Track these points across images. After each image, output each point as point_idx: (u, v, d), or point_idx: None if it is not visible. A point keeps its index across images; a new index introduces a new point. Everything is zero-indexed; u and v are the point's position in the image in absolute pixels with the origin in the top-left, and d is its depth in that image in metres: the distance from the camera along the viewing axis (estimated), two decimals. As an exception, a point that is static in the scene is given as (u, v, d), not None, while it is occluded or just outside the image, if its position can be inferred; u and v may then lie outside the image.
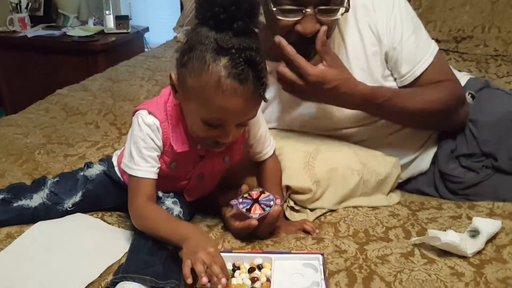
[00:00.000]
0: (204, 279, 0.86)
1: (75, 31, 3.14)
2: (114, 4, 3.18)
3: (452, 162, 1.36)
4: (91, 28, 3.24)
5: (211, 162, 1.14)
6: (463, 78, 1.44)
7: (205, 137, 1.03)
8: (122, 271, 0.94)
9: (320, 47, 1.14)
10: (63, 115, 1.84)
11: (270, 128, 1.27)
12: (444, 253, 1.03)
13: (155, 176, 1.06)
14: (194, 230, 0.98)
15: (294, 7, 1.11)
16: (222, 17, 0.92)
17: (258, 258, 1.02)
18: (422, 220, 1.18)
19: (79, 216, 1.19)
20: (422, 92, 1.26)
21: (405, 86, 1.29)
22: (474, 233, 1.04)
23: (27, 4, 3.25)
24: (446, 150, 1.37)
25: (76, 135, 1.67)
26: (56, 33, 3.15)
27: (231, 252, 1.05)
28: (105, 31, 3.17)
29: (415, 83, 1.27)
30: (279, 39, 1.15)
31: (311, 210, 1.24)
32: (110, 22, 3.17)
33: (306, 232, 1.15)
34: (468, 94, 1.38)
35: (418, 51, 1.26)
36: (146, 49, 3.30)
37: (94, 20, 3.32)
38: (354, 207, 1.26)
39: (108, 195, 1.22)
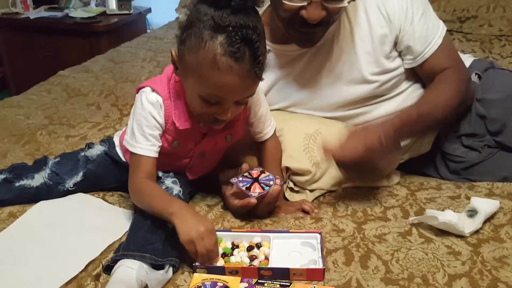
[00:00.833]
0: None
1: (78, 13, 3.13)
2: (117, -15, 3.16)
3: (454, 142, 1.36)
4: (93, 9, 3.23)
5: (213, 140, 1.14)
6: (467, 60, 1.43)
7: (204, 114, 1.04)
8: (123, 248, 0.96)
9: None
10: (65, 96, 1.85)
11: (271, 110, 1.27)
12: (442, 232, 1.04)
13: (155, 155, 1.07)
14: (184, 208, 0.99)
15: None
16: None
17: (256, 237, 1.03)
18: (421, 200, 1.19)
19: (80, 195, 1.20)
20: (439, 95, 1.24)
21: (413, 68, 1.29)
22: (472, 213, 1.04)
23: (30, -15, 3.24)
24: (449, 130, 1.37)
25: (78, 116, 1.68)
26: (59, 14, 3.13)
27: (229, 231, 1.06)
28: (108, 12, 3.16)
29: (423, 64, 1.27)
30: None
31: (310, 191, 1.25)
32: (112, 3, 3.15)
33: (305, 212, 1.16)
34: (475, 75, 1.38)
35: (428, 33, 1.24)
36: (148, 30, 3.28)
37: (97, 1, 3.30)
38: (353, 187, 1.26)
39: (109, 175, 1.23)
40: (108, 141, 1.28)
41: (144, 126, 1.06)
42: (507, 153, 1.32)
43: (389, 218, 1.12)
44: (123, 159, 1.21)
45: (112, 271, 0.93)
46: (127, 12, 3.17)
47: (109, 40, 2.92)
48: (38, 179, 1.19)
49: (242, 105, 1.05)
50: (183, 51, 0.98)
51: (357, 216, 1.13)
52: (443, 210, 1.07)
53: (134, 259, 0.92)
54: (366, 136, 1.10)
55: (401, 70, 1.29)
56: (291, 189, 1.26)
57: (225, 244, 1.03)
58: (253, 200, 1.08)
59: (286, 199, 1.24)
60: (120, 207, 1.18)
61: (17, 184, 1.17)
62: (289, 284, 0.90)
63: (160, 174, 1.11)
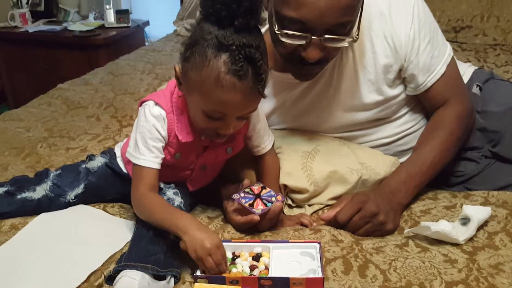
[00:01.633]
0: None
1: (76, 26, 3.16)
2: (115, -2, 3.20)
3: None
4: (91, 22, 3.25)
5: (214, 152, 1.16)
6: (468, 70, 1.44)
7: (207, 128, 1.06)
8: (125, 259, 0.97)
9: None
10: (65, 109, 1.86)
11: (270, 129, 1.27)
12: (438, 241, 1.05)
13: (158, 167, 1.09)
14: (194, 223, 1.00)
15: (300, 33, 1.06)
16: (223, 14, 0.94)
17: (257, 247, 1.04)
18: (416, 214, 1.20)
19: (81, 207, 1.22)
20: (433, 148, 1.23)
21: (415, 96, 1.28)
22: (465, 221, 1.06)
23: (28, 0, 3.26)
24: None
25: (78, 128, 1.69)
26: (57, 28, 3.16)
27: (230, 241, 1.07)
28: (106, 25, 3.19)
29: (425, 93, 1.26)
30: None
31: (309, 205, 1.26)
32: (110, 17, 3.18)
33: (304, 225, 1.17)
34: (476, 87, 1.39)
35: (433, 61, 1.24)
36: (146, 43, 3.31)
37: (95, 14, 3.33)
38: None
39: (110, 187, 1.24)
40: (109, 152, 1.29)
41: (148, 138, 1.08)
42: (504, 164, 1.33)
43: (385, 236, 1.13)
44: (124, 171, 1.23)
45: (114, 281, 0.93)
46: (125, 25, 3.20)
47: (108, 53, 2.95)
48: (39, 192, 1.20)
49: (244, 120, 1.08)
50: (187, 68, 1.01)
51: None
52: (437, 221, 1.08)
53: (136, 269, 0.93)
54: (360, 204, 1.11)
55: (403, 96, 1.29)
56: (289, 206, 1.26)
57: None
58: (257, 217, 1.09)
59: (284, 214, 1.24)
60: (121, 218, 1.19)
61: (18, 197, 1.19)
62: (289, 293, 0.91)
63: (162, 185, 1.12)
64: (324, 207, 1.26)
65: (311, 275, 0.96)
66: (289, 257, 1.02)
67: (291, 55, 1.11)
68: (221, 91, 0.96)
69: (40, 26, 3.22)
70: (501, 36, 2.17)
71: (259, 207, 1.10)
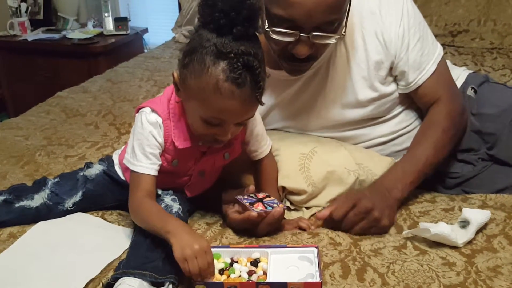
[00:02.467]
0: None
1: (75, 34, 3.17)
2: (113, 6, 3.21)
3: (448, 158, 1.37)
4: (90, 30, 3.26)
5: (212, 158, 1.16)
6: (462, 74, 1.45)
7: (205, 134, 1.06)
8: (123, 266, 0.97)
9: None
10: (63, 117, 1.87)
11: (266, 130, 1.27)
12: (436, 244, 1.05)
13: (155, 173, 1.09)
14: (181, 227, 0.98)
15: (289, 31, 1.09)
16: (222, 22, 0.95)
17: (255, 252, 1.04)
18: (415, 214, 1.20)
19: (79, 215, 1.22)
20: (426, 147, 1.24)
21: (406, 94, 1.30)
22: (464, 224, 1.06)
23: (27, 8, 3.28)
24: None
25: (76, 136, 1.70)
26: (56, 36, 3.17)
27: (228, 247, 1.07)
28: (105, 33, 3.20)
29: (416, 91, 1.28)
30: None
31: (307, 208, 1.26)
32: (109, 24, 3.19)
33: (302, 229, 1.17)
34: (471, 89, 1.40)
35: (423, 59, 1.26)
36: (145, 50, 3.32)
37: (94, 22, 3.34)
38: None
39: (108, 194, 1.25)
40: (106, 159, 1.29)
41: (145, 145, 1.08)
42: (501, 166, 1.34)
43: (384, 235, 1.12)
44: (122, 178, 1.23)
45: (113, 289, 0.93)
46: (124, 32, 3.21)
47: (107, 60, 2.95)
48: (38, 200, 1.20)
49: (242, 126, 1.09)
50: (185, 74, 1.01)
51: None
52: (436, 223, 1.08)
53: (135, 277, 0.93)
54: (355, 200, 1.12)
55: (397, 94, 1.31)
56: (288, 208, 1.26)
57: (223, 260, 1.04)
58: (254, 213, 1.09)
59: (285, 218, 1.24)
60: (119, 225, 1.19)
61: (17, 205, 1.19)
62: (287, 298, 0.91)
63: (160, 192, 1.13)
64: (322, 209, 1.25)
65: (309, 280, 0.95)
66: (287, 262, 1.02)
67: (282, 51, 1.15)
68: (219, 99, 0.97)
69: (39, 34, 3.24)
70: (498, 40, 2.18)
71: (259, 207, 1.10)
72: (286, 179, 1.24)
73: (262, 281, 0.96)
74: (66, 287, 0.98)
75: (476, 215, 1.07)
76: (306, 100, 1.32)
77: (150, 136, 1.08)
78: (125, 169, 1.20)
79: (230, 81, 0.96)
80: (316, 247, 1.03)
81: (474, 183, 1.34)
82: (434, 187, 1.35)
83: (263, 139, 1.23)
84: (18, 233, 1.15)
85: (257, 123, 1.20)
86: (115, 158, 1.27)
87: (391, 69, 1.28)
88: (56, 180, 1.25)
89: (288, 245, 1.07)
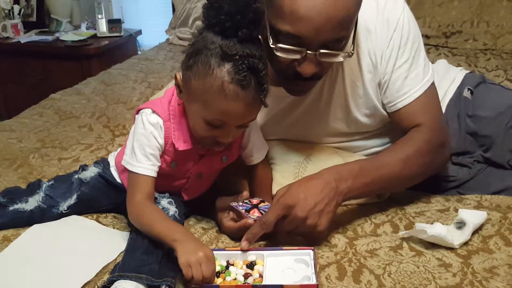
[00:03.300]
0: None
1: (68, 36, 3.15)
2: (106, 8, 3.18)
3: None
4: (84, 32, 3.25)
5: (210, 161, 1.16)
6: (459, 74, 1.45)
7: (206, 137, 1.06)
8: (119, 269, 0.96)
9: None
10: (57, 119, 1.86)
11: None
12: (432, 245, 1.05)
13: (154, 175, 1.08)
14: (187, 235, 1.00)
15: (295, 48, 1.04)
16: (227, 25, 0.96)
17: (251, 255, 1.04)
18: (410, 214, 1.20)
19: (74, 218, 1.21)
20: (393, 153, 1.18)
21: (389, 115, 1.26)
22: (461, 225, 1.06)
23: (20, 10, 3.25)
24: None
25: (70, 139, 1.69)
26: (49, 38, 3.16)
27: (224, 250, 1.07)
28: (98, 35, 3.18)
29: (395, 114, 1.23)
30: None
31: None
32: (102, 26, 3.18)
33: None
34: (468, 90, 1.39)
35: (406, 83, 1.20)
36: (139, 52, 3.31)
37: (87, 24, 3.33)
38: (343, 205, 1.25)
39: (103, 197, 1.24)
40: (102, 162, 1.28)
41: (146, 146, 1.08)
42: (496, 169, 1.34)
43: (380, 234, 1.13)
44: (118, 180, 1.22)
45: (108, 292, 0.93)
46: (117, 34, 3.19)
47: (100, 62, 2.94)
48: (32, 203, 1.19)
49: (243, 128, 1.09)
50: (189, 76, 1.01)
51: (348, 234, 1.14)
52: (432, 224, 1.08)
53: (130, 280, 0.93)
54: (286, 208, 1.05)
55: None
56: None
57: (219, 263, 1.03)
58: (250, 221, 1.08)
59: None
60: (114, 228, 1.18)
61: (11, 208, 1.17)
62: (283, 300, 0.91)
63: (156, 194, 1.12)
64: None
65: (306, 282, 0.95)
66: (283, 265, 1.02)
67: (286, 69, 1.10)
68: (224, 100, 0.98)
69: (32, 36, 3.22)
70: (491, 41, 2.19)
71: (255, 214, 1.10)
72: (280, 187, 1.22)
73: (258, 283, 0.96)
74: (61, 290, 0.97)
75: (473, 216, 1.07)
76: (300, 114, 1.29)
77: (151, 137, 1.08)
78: (121, 171, 1.19)
79: (235, 83, 0.96)
80: (312, 249, 1.03)
81: (469, 186, 1.34)
82: (429, 191, 1.33)
83: (260, 144, 1.23)
84: (12, 236, 1.14)
85: (255, 127, 1.20)
86: (111, 160, 1.27)
87: (379, 86, 1.24)
88: (50, 183, 1.24)
89: (284, 248, 1.06)
